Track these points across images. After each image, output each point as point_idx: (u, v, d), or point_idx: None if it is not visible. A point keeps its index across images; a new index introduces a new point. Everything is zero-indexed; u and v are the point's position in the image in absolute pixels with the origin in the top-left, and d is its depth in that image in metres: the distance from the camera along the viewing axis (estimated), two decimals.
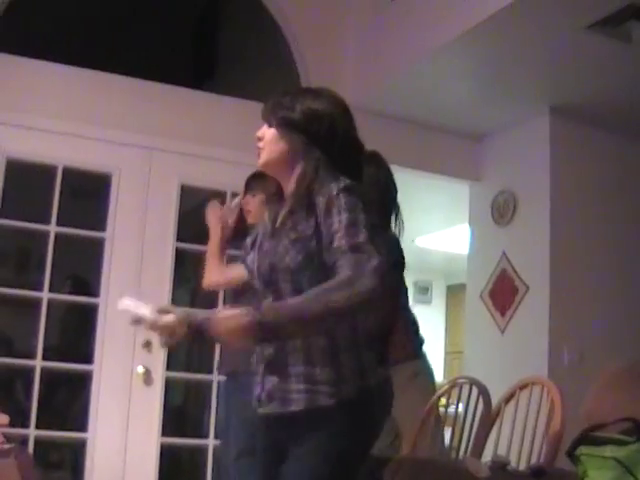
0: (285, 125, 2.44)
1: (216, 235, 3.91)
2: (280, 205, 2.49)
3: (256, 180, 3.98)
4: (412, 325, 3.91)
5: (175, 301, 5.20)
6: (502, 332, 5.86)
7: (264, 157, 2.48)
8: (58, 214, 5.00)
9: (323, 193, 2.31)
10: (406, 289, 3.92)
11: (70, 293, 5.50)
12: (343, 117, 2.47)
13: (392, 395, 2.43)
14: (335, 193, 2.28)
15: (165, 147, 5.26)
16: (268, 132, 2.48)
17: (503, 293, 5.90)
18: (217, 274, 3.85)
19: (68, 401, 5.93)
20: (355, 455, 2.34)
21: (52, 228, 4.98)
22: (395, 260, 3.58)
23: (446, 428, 4.46)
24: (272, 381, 2.36)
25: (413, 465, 3.03)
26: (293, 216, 2.38)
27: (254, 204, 4.01)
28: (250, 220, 3.99)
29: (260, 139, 2.50)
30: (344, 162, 2.41)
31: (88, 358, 4.99)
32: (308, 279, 2.29)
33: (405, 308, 3.86)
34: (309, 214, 2.33)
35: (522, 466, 3.41)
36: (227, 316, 2.16)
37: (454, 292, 10.33)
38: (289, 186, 2.46)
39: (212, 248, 3.90)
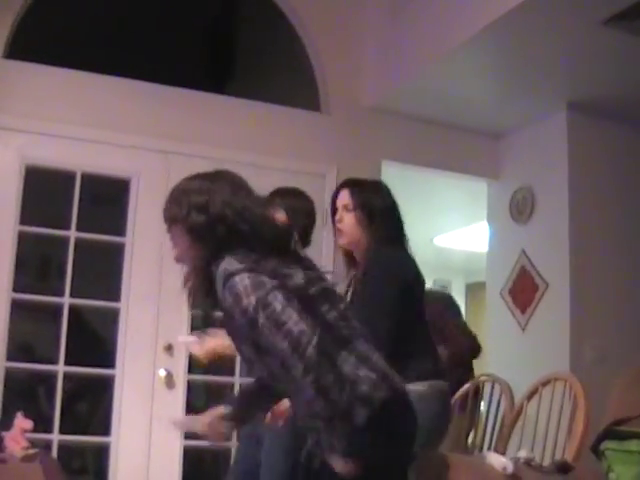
0: (178, 223, 2.65)
1: None
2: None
3: (277, 196, 3.99)
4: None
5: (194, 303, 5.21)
6: (523, 330, 5.84)
7: (174, 253, 2.68)
8: (78, 220, 5.01)
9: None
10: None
11: None
12: (231, 203, 2.57)
13: None
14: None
15: (183, 151, 5.26)
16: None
17: (523, 290, 5.88)
18: None
19: (91, 406, 5.97)
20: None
21: (72, 234, 5.00)
22: None
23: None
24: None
25: (438, 462, 3.03)
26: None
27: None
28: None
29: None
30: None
31: (110, 363, 5.01)
32: None
33: None
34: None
35: (546, 462, 3.41)
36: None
37: (473, 290, 10.28)
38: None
39: None
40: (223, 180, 2.63)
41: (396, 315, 3.29)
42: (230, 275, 2.38)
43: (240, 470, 3.83)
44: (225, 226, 2.49)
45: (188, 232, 2.55)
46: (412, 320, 3.43)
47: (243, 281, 2.36)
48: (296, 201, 3.93)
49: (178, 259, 2.62)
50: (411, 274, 3.47)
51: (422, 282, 3.55)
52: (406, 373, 2.73)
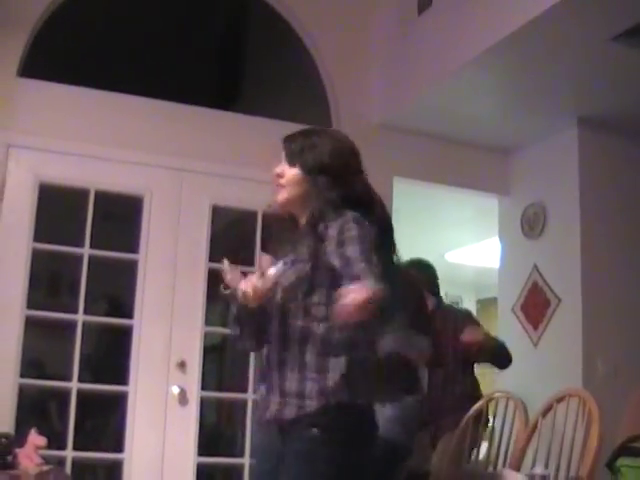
0: (310, 168, 2.60)
1: None
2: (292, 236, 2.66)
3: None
4: None
5: (208, 320, 5.24)
6: (535, 345, 5.83)
7: (285, 196, 2.64)
8: (91, 237, 5.04)
9: (334, 226, 2.47)
10: None
11: (106, 314, 5.54)
12: (357, 159, 2.67)
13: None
14: (347, 226, 2.44)
15: (195, 168, 5.30)
16: (290, 172, 2.64)
17: (535, 306, 5.87)
18: None
19: (103, 423, 5.96)
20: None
21: (85, 251, 5.02)
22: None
23: (483, 442, 4.47)
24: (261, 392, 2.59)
25: (453, 478, 3.04)
26: (299, 243, 2.58)
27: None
28: None
29: (280, 176, 2.64)
30: (356, 198, 2.58)
31: (123, 379, 5.01)
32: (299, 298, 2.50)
33: None
34: (315, 242, 2.50)
35: (561, 478, 3.41)
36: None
37: (485, 306, 10.27)
38: (302, 219, 2.64)
39: None
40: (346, 143, 2.71)
41: None
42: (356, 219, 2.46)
43: None
44: (349, 181, 2.60)
45: (308, 177, 2.60)
46: None
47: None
48: None
49: (283, 203, 2.64)
50: None
51: None
52: None
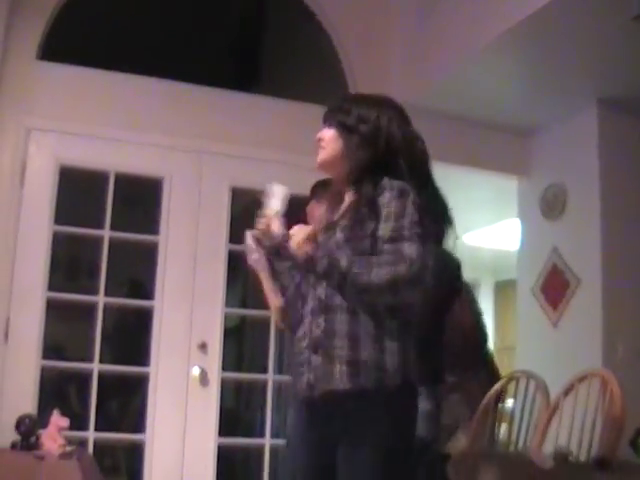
0: (341, 126, 2.64)
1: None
2: (337, 203, 2.68)
3: (321, 187, 3.98)
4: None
5: (228, 302, 5.27)
6: (554, 326, 5.83)
7: (323, 155, 2.67)
8: (112, 219, 5.06)
9: (380, 195, 2.48)
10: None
11: (128, 296, 5.57)
12: (393, 121, 2.64)
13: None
14: (389, 197, 2.46)
15: (215, 150, 5.32)
16: (328, 132, 2.67)
17: (554, 287, 5.87)
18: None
19: (125, 404, 6.01)
20: (399, 442, 2.44)
21: (106, 233, 5.05)
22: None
23: (503, 423, 4.47)
24: (317, 361, 2.48)
25: (476, 458, 3.05)
26: (351, 215, 2.55)
27: (319, 210, 4.00)
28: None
29: (321, 139, 2.68)
30: (404, 164, 2.57)
31: (144, 361, 5.05)
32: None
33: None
34: (369, 216, 2.48)
35: (583, 457, 3.42)
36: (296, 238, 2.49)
37: (502, 288, 10.28)
38: (344, 185, 2.66)
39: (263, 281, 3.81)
40: (389, 102, 2.72)
41: None
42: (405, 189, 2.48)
43: None
44: (383, 144, 2.59)
45: (348, 137, 2.63)
46: None
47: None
48: None
49: (322, 163, 2.69)
50: None
51: None
52: None
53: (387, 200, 2.46)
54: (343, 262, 2.39)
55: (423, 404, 3.37)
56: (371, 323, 2.43)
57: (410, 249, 2.35)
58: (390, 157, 2.57)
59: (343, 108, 2.68)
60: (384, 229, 2.42)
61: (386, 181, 2.49)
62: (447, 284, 3.69)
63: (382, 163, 2.56)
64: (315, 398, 2.48)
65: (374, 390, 2.39)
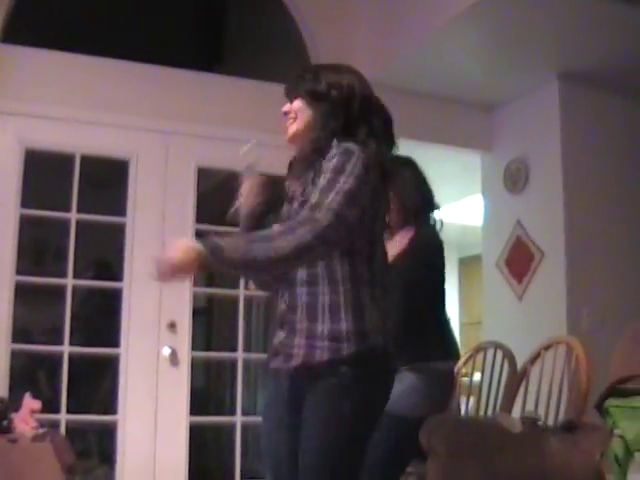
0: (311, 95, 2.60)
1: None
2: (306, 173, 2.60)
3: None
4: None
5: (196, 281, 5.29)
6: (520, 299, 5.92)
7: (295, 126, 2.63)
8: (78, 202, 5.04)
9: (336, 146, 2.47)
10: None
11: (94, 277, 5.56)
12: (362, 85, 2.63)
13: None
14: (332, 155, 2.44)
15: (181, 130, 5.32)
16: (295, 104, 2.63)
17: (519, 260, 5.95)
18: None
19: (96, 386, 6.00)
20: (359, 411, 2.42)
21: (73, 216, 5.04)
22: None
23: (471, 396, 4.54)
24: (280, 337, 2.51)
25: (448, 423, 3.10)
26: (301, 179, 2.55)
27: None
28: None
29: (288, 112, 2.65)
30: (368, 126, 2.54)
31: (114, 342, 5.06)
32: None
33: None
34: (317, 177, 2.47)
35: (551, 422, 3.49)
36: (181, 247, 2.25)
37: (467, 264, 10.37)
38: (314, 154, 2.57)
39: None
40: (351, 69, 2.70)
41: None
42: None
43: None
44: (357, 107, 2.56)
45: (319, 105, 2.59)
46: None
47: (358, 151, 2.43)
48: None
49: (294, 136, 2.64)
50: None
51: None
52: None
53: (330, 158, 2.44)
54: (237, 253, 2.26)
55: (410, 380, 3.44)
56: (327, 294, 2.43)
57: (331, 202, 2.31)
58: (362, 120, 2.55)
59: (308, 77, 2.63)
60: (319, 183, 2.41)
61: (342, 145, 2.46)
62: (441, 269, 3.76)
63: (352, 127, 2.53)
64: (282, 372, 2.52)
65: (328, 362, 2.39)
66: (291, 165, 2.68)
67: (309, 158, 2.56)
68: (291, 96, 2.67)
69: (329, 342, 2.39)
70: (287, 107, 2.66)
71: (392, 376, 2.54)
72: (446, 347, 3.67)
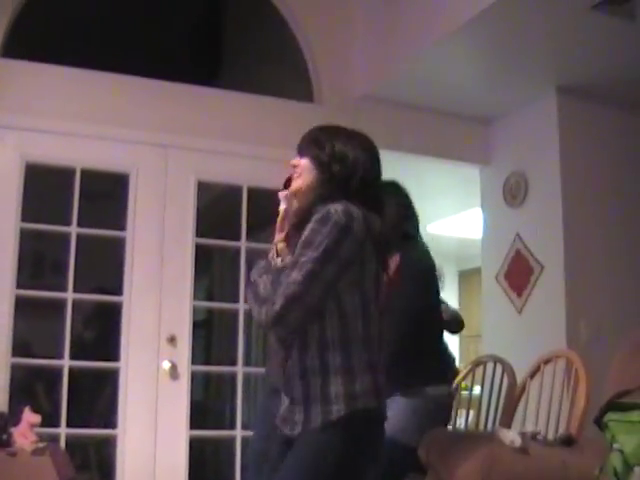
0: (314, 161, 2.68)
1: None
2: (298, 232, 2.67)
3: None
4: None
5: (196, 295, 5.29)
6: (519, 312, 5.92)
7: (299, 183, 2.70)
8: (78, 215, 5.05)
9: (319, 210, 2.55)
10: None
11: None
12: (368, 162, 2.71)
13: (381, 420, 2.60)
14: (312, 219, 2.52)
15: (180, 144, 5.33)
16: (303, 161, 2.71)
17: (518, 274, 5.95)
18: None
19: (96, 400, 5.99)
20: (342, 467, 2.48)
21: (73, 229, 5.04)
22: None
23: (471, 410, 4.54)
24: (285, 403, 2.62)
25: (446, 438, 3.11)
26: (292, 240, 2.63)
27: None
28: None
29: (295, 166, 2.72)
30: (360, 200, 2.61)
31: (114, 356, 5.05)
32: None
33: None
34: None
35: (551, 436, 3.49)
36: None
37: (466, 277, 10.37)
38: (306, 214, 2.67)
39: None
40: (365, 143, 2.77)
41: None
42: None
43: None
44: (356, 184, 2.64)
45: (321, 172, 2.68)
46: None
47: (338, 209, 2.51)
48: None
49: (295, 192, 2.70)
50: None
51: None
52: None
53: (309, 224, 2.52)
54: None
55: (404, 405, 3.46)
56: (317, 358, 2.52)
57: (288, 285, 2.42)
58: (358, 195, 2.62)
59: (317, 140, 2.71)
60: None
61: (326, 207, 2.53)
62: (432, 291, 3.78)
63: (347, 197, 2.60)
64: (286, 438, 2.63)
65: (321, 427, 2.49)
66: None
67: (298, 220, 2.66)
68: (301, 153, 2.74)
69: (321, 406, 2.49)
70: (296, 161, 2.73)
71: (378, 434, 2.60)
72: (440, 372, 3.70)
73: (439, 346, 3.73)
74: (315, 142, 2.71)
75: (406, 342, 3.43)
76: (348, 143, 2.69)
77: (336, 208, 2.49)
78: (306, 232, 2.49)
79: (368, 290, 2.56)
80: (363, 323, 2.53)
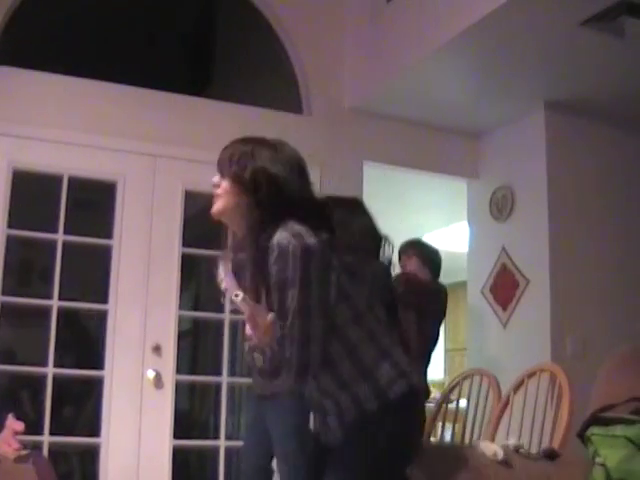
0: (236, 184, 2.54)
1: None
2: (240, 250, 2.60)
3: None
4: None
5: (182, 305, 5.28)
6: (504, 326, 5.93)
7: (219, 206, 2.58)
8: (65, 223, 5.04)
9: (271, 246, 2.40)
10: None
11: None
12: (294, 179, 2.55)
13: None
14: (271, 257, 2.40)
15: (168, 153, 5.34)
16: (223, 182, 2.57)
17: (504, 288, 5.97)
18: None
19: (79, 408, 5.98)
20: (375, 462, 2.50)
21: (59, 237, 5.03)
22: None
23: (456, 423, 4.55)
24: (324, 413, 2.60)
25: (431, 452, 3.11)
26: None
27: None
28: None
29: (217, 186, 2.58)
30: (294, 217, 2.47)
31: (99, 364, 5.04)
32: None
33: None
34: (263, 283, 2.46)
35: (534, 450, 3.49)
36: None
37: (452, 290, 10.35)
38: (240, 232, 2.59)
39: None
40: (290, 157, 2.60)
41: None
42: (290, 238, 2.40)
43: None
44: (285, 199, 2.50)
45: (246, 197, 2.51)
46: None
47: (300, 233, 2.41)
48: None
49: (217, 214, 2.57)
50: None
51: None
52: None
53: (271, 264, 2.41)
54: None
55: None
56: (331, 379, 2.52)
57: (291, 322, 2.37)
58: (291, 210, 2.48)
59: (237, 158, 2.56)
60: (273, 302, 2.43)
61: (274, 239, 2.41)
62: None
63: (282, 215, 2.47)
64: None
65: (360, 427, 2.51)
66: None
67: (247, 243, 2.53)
68: (222, 172, 2.59)
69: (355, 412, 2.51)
70: (217, 179, 2.60)
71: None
72: None
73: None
74: (236, 160, 2.55)
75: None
76: (271, 158, 2.53)
77: (283, 237, 2.38)
78: (273, 276, 2.39)
79: (352, 294, 2.54)
80: (354, 322, 2.52)
